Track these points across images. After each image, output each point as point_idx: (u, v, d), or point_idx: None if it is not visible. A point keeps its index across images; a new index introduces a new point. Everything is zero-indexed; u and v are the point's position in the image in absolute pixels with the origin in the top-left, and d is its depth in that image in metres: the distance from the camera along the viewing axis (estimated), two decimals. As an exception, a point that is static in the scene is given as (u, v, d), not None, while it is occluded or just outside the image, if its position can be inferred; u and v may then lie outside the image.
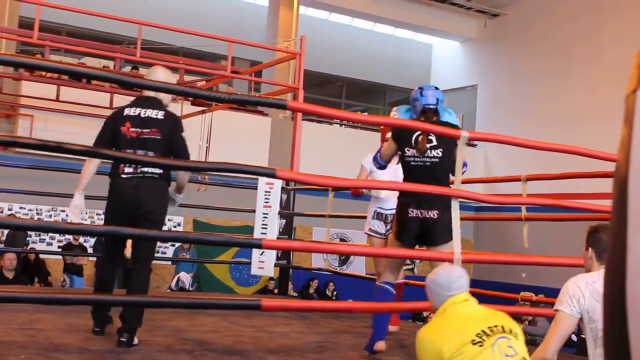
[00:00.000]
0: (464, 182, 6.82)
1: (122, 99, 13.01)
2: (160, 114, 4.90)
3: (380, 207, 6.05)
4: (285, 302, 4.63)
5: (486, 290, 7.35)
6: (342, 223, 14.96)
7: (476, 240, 17.90)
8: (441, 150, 4.72)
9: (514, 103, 17.77)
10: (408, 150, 4.77)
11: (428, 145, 4.72)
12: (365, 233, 6.13)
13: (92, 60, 14.61)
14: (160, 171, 4.80)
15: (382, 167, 5.11)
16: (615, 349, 1.02)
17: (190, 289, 12.56)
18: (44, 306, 5.96)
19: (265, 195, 7.85)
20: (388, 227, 5.90)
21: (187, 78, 12.55)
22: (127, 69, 14.88)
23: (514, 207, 6.31)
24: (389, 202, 5.94)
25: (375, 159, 5.10)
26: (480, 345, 3.04)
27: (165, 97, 5.07)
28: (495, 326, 3.11)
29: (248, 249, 7.98)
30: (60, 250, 12.95)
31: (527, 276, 15.81)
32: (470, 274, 14.11)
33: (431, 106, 4.88)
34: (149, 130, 4.81)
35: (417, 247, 4.86)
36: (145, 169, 4.79)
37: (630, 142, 1.01)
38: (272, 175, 3.99)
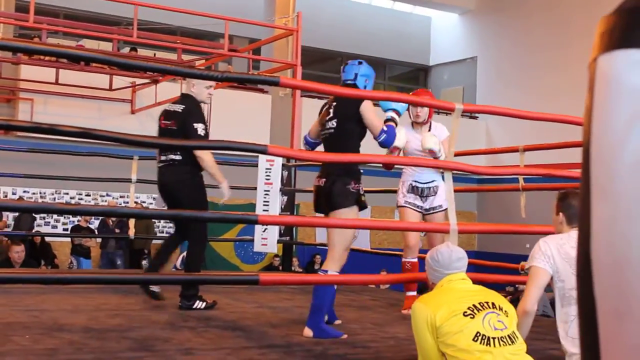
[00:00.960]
0: (464, 153, 6.86)
1: (121, 81, 13.05)
2: (180, 107, 5.48)
3: (415, 181, 5.75)
4: (282, 276, 4.69)
5: (490, 262, 7.42)
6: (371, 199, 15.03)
7: (480, 212, 17.94)
8: (335, 121, 4.77)
9: (515, 75, 17.72)
10: (323, 124, 4.90)
11: (327, 117, 4.81)
12: (399, 206, 5.92)
13: (90, 42, 14.60)
14: (179, 157, 5.41)
15: (309, 144, 5.10)
16: (583, 308, 1.05)
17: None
18: (49, 288, 6.05)
19: (266, 172, 7.86)
20: (425, 202, 5.70)
21: (186, 57, 12.55)
22: (126, 50, 14.87)
23: (515, 178, 6.35)
24: (424, 175, 5.68)
25: (304, 137, 5.15)
26: (472, 317, 3.14)
27: (198, 94, 5.53)
28: (486, 302, 3.23)
29: (252, 226, 8.02)
30: (67, 232, 13.04)
31: (531, 247, 15.87)
32: (474, 246, 14.15)
33: (348, 82, 4.93)
34: (170, 122, 5.46)
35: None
36: (168, 156, 5.45)
37: (592, 110, 1.03)
38: (263, 152, 4.02)
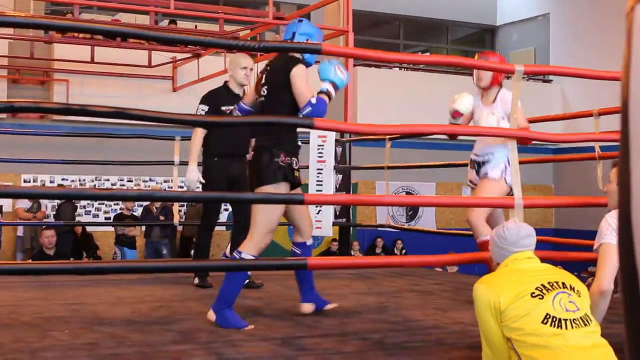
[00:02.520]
0: (538, 120, 6.79)
1: (161, 56, 13.21)
2: None
3: (474, 154, 5.60)
4: (332, 260, 4.72)
5: (570, 239, 7.35)
6: (408, 175, 15.00)
7: (557, 186, 17.73)
8: (266, 87, 4.68)
9: (591, 35, 17.32)
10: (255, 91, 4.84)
11: (260, 84, 4.73)
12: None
13: (126, 16, 14.80)
14: None
15: (242, 111, 5.01)
16: (626, 274, 1.07)
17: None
18: (89, 280, 6.21)
19: (319, 149, 7.93)
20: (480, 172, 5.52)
21: (228, 28, 12.63)
22: (165, 23, 15.04)
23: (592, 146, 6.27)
24: (479, 146, 5.54)
25: (238, 104, 5.09)
26: (540, 298, 3.12)
27: (235, 76, 6.12)
28: (556, 282, 3.20)
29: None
30: (110, 221, 13.30)
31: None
32: (551, 222, 13.99)
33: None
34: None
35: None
36: None
37: (630, 62, 1.04)
38: (310, 126, 4.05)
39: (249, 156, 4.69)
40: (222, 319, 4.45)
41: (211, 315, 4.51)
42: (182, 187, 12.02)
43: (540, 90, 17.18)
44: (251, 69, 6.15)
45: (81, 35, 12.77)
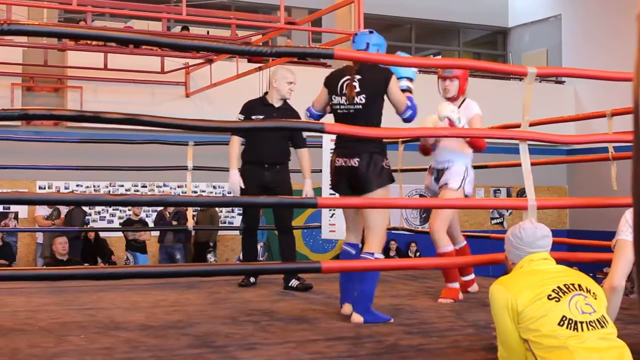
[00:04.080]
0: (551, 121, 6.78)
1: (174, 62, 13.25)
2: None
3: (434, 161, 5.96)
4: (347, 263, 4.72)
5: (585, 240, 7.31)
6: (421, 178, 14.95)
7: (571, 187, 17.67)
8: (364, 96, 4.84)
9: (603, 36, 17.22)
10: (334, 98, 4.98)
11: (350, 93, 4.88)
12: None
13: (138, 23, 14.85)
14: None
15: (314, 117, 5.20)
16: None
17: (261, 258, 12.78)
18: (104, 286, 6.23)
19: (331, 152, 7.92)
20: (440, 181, 5.84)
21: (241, 33, 12.66)
22: (177, 29, 15.09)
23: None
24: (439, 154, 5.85)
25: (308, 109, 5.24)
26: (557, 301, 3.12)
27: (279, 89, 6.40)
28: (572, 284, 3.20)
29: (320, 212, 8.08)
30: (120, 227, 13.34)
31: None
32: (565, 224, 13.93)
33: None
34: None
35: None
36: None
37: (640, 63, 1.05)
38: (320, 131, 4.06)
39: (349, 161, 4.84)
40: (371, 317, 4.72)
41: (357, 318, 4.72)
42: (195, 191, 12.06)
43: (552, 92, 17.13)
44: (294, 84, 6.42)
45: (94, 42, 12.83)
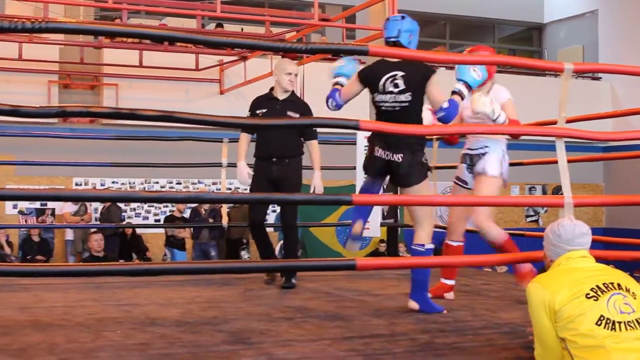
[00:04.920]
0: (587, 118, 6.71)
1: (208, 60, 13.31)
2: None
3: (468, 148, 5.65)
4: (382, 261, 4.72)
5: (622, 238, 7.23)
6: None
7: (607, 184, 17.50)
8: (410, 94, 4.86)
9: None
10: (377, 95, 4.98)
11: (396, 90, 4.88)
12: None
13: (173, 20, 14.93)
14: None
15: (339, 107, 5.21)
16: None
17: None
18: (141, 282, 6.27)
19: (366, 149, 7.92)
20: (475, 166, 5.55)
21: (275, 30, 12.68)
22: (212, 26, 15.15)
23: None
24: (472, 140, 5.60)
25: (332, 97, 5.18)
26: (595, 300, 3.09)
27: (279, 81, 6.32)
28: (611, 283, 3.17)
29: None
30: (159, 223, 13.44)
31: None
32: (602, 222, 13.75)
33: (391, 39, 4.96)
34: None
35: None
36: None
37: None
38: (355, 128, 4.06)
39: (393, 156, 4.90)
40: (426, 306, 4.94)
41: (413, 304, 4.95)
42: (230, 189, 12.10)
43: (589, 88, 16.97)
44: (296, 75, 6.35)
45: (129, 40, 12.92)
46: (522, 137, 5.43)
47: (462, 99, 4.78)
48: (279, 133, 6.17)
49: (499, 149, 5.46)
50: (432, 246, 5.04)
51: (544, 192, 16.94)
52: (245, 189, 6.59)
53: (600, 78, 17.57)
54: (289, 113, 6.18)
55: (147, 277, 6.08)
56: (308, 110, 6.34)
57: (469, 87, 4.78)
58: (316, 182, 6.28)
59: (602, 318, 3.05)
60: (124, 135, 9.86)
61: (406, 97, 4.88)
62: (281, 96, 6.32)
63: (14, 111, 3.47)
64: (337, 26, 11.34)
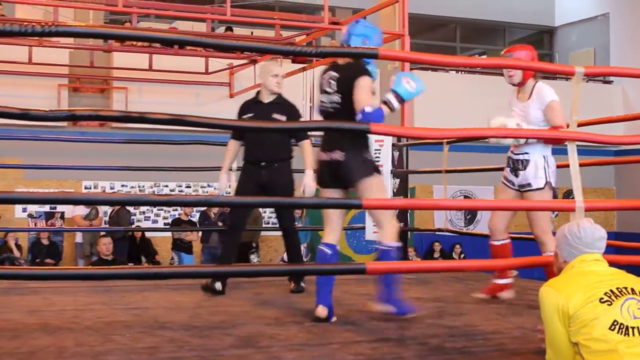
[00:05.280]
0: (599, 122, 6.69)
1: (218, 63, 13.33)
2: None
3: (511, 152, 5.63)
4: (392, 264, 4.70)
5: (633, 242, 7.21)
6: (466, 179, 14.87)
7: (618, 188, 17.44)
8: (340, 96, 4.80)
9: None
10: (320, 96, 4.96)
11: (331, 91, 4.84)
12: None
13: (183, 24, 14.97)
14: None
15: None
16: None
17: (305, 259, 12.76)
18: (150, 285, 6.28)
19: (376, 153, 7.92)
20: (517, 177, 5.52)
21: (285, 33, 12.70)
22: (221, 30, 15.17)
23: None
24: (519, 147, 5.52)
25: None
26: (609, 304, 3.07)
27: (265, 84, 6.25)
28: (625, 287, 3.15)
29: (364, 213, 8.10)
30: (168, 226, 13.45)
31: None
32: (613, 226, 13.74)
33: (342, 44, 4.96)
34: None
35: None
36: None
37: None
38: (366, 131, 4.06)
39: (333, 156, 4.85)
40: (397, 306, 4.90)
41: (384, 308, 4.90)
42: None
43: (600, 92, 16.93)
44: (282, 76, 6.30)
45: (139, 43, 12.95)
46: (532, 141, 5.38)
47: (391, 110, 4.63)
48: (268, 136, 6.17)
49: (539, 155, 5.39)
50: (396, 244, 4.88)
51: (555, 196, 16.89)
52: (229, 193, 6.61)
53: (612, 81, 17.53)
54: (275, 115, 6.14)
55: (156, 280, 6.08)
56: (295, 111, 6.32)
57: (401, 99, 4.64)
58: (307, 181, 6.05)
59: (615, 323, 3.04)
60: (134, 138, 9.89)
61: (337, 98, 4.82)
62: (267, 99, 6.28)
63: (24, 115, 3.48)
64: (347, 29, 11.31)
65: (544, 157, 5.38)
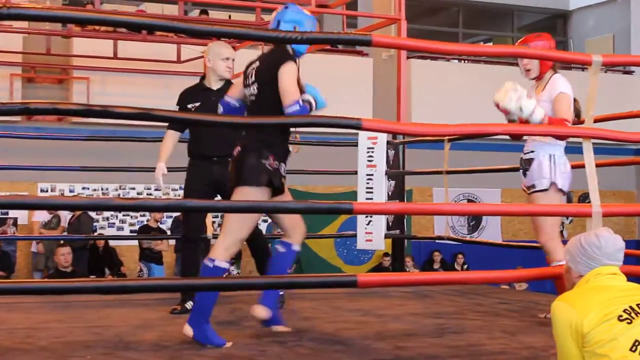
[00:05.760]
0: (618, 117, 6.71)
1: (190, 50, 13.30)
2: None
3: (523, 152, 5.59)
4: (386, 277, 4.71)
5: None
6: (469, 181, 14.92)
7: (640, 191, 17.55)
8: (256, 86, 4.81)
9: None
10: (245, 89, 4.95)
11: (250, 81, 4.85)
12: None
13: (152, 6, 14.95)
14: None
15: (226, 105, 5.13)
16: None
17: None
18: (114, 300, 6.26)
19: (368, 152, 7.94)
20: (526, 177, 5.46)
21: (267, 18, 12.67)
22: (195, 13, 15.16)
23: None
24: (526, 144, 5.53)
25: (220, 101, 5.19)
26: (629, 323, 3.07)
27: (215, 68, 6.15)
28: None
29: (355, 219, 8.12)
30: (135, 234, 13.41)
31: None
32: (634, 233, 13.82)
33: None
34: None
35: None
36: None
37: None
38: (357, 127, 4.05)
39: (235, 151, 4.80)
40: (201, 334, 4.69)
41: (187, 329, 4.71)
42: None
43: (620, 83, 17.00)
44: (233, 60, 6.17)
45: (103, 28, 12.91)
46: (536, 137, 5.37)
47: (310, 109, 4.63)
48: (217, 129, 6.00)
49: (545, 154, 5.33)
50: (223, 264, 4.74)
51: (569, 200, 16.94)
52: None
53: (633, 72, 17.60)
54: None
55: (121, 294, 6.06)
56: None
57: (316, 104, 4.69)
58: None
59: (637, 343, 3.04)
60: (96, 135, 9.86)
61: (254, 88, 4.82)
62: (215, 85, 6.16)
63: (-30, 107, 3.46)
64: (337, 13, 11.35)
65: (550, 156, 5.32)
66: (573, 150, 5.34)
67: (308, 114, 4.56)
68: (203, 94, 6.13)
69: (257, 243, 6.21)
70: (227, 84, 6.10)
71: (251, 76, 4.86)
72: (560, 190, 5.31)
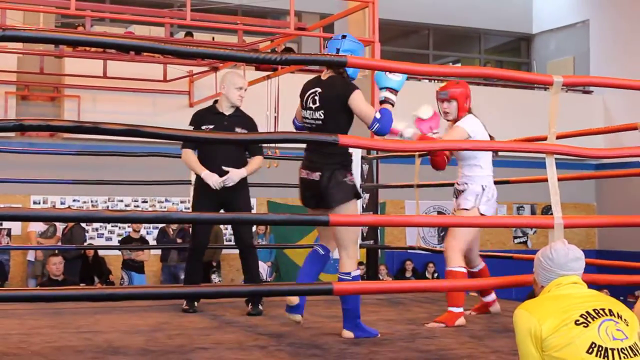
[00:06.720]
0: (578, 134, 6.76)
1: (177, 70, 13.30)
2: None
3: (455, 182, 5.99)
4: (361, 285, 4.72)
5: (615, 261, 7.29)
6: (440, 193, 14.92)
7: (599, 204, 17.61)
8: (322, 112, 4.97)
9: (635, 42, 17.15)
10: (303, 111, 5.13)
11: (313, 107, 5.01)
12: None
13: (140, 28, 14.92)
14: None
15: (297, 128, 5.33)
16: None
17: (269, 279, 12.74)
18: (102, 307, 6.23)
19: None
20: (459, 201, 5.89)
21: (248, 39, 12.70)
22: (181, 35, 15.14)
23: None
24: (459, 175, 5.92)
25: (293, 121, 5.37)
26: (585, 326, 3.09)
27: (228, 95, 6.31)
28: (602, 309, 3.17)
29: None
30: (118, 245, 13.35)
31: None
32: (594, 244, 13.85)
33: None
34: None
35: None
36: None
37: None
38: (334, 143, 4.07)
39: (312, 175, 5.00)
40: (361, 332, 5.03)
41: (347, 334, 5.03)
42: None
43: (580, 102, 17.10)
44: (245, 89, 6.35)
45: (93, 49, 12.88)
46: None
47: (392, 105, 4.87)
48: (226, 149, 6.17)
49: (477, 185, 5.71)
50: (358, 272, 5.09)
51: (533, 212, 17.01)
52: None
53: (592, 92, 17.72)
54: (237, 129, 6.20)
55: (110, 302, 6.03)
56: (254, 125, 6.39)
57: (395, 91, 4.87)
58: (232, 173, 6.17)
59: (593, 345, 3.05)
60: (86, 150, 9.82)
61: (320, 114, 4.98)
62: (227, 111, 6.33)
63: (-33, 124, 3.44)
64: (314, 35, 11.37)
65: (482, 187, 5.73)
66: (537, 164, 5.40)
67: (389, 117, 4.82)
68: (216, 117, 6.30)
69: (240, 245, 6.46)
70: (237, 110, 6.34)
71: (313, 102, 5.03)
72: (481, 214, 5.70)
